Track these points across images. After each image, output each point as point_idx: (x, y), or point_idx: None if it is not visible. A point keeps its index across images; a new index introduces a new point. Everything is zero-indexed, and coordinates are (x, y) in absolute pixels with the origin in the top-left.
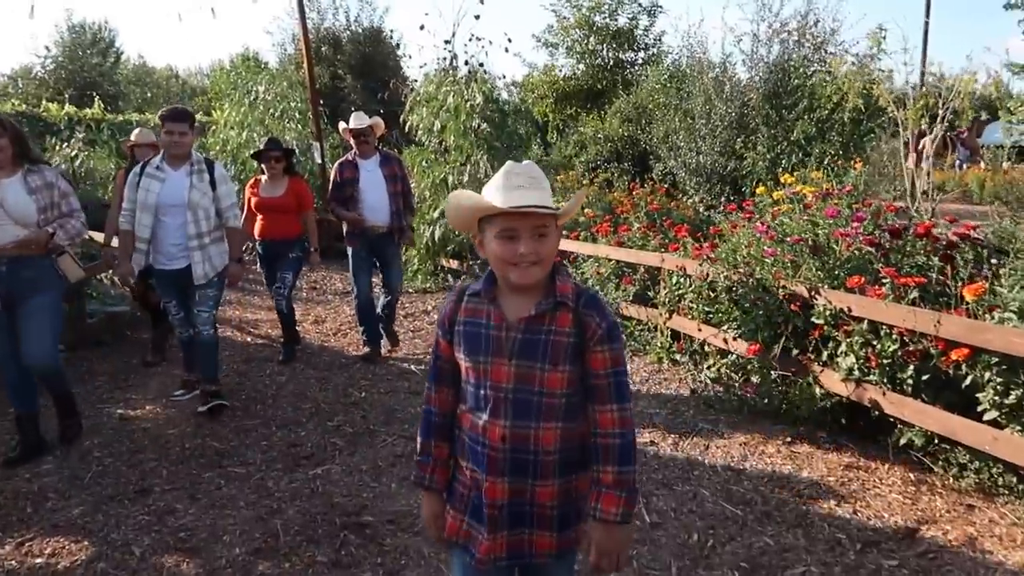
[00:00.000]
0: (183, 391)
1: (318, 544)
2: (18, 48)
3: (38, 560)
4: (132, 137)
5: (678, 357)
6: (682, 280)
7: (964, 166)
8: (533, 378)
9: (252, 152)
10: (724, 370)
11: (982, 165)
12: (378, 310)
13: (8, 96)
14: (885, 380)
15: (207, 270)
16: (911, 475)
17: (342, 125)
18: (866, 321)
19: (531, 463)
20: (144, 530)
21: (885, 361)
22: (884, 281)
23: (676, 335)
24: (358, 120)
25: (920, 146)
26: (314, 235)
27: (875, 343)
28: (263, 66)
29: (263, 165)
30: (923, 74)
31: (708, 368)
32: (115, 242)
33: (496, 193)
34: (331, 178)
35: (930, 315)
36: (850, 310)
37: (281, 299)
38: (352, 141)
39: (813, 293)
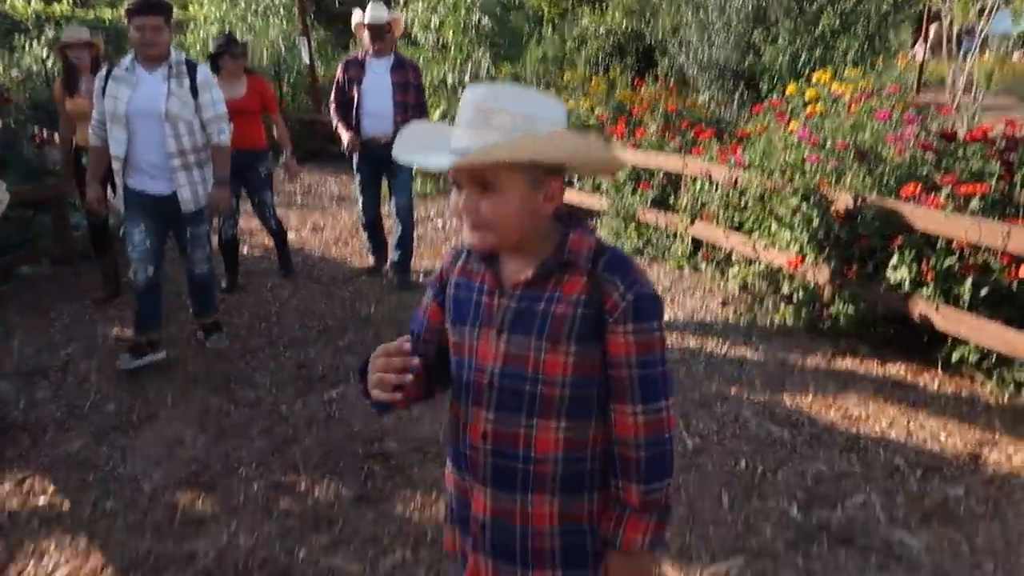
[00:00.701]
0: (130, 356)
1: (341, 476)
2: None
3: (40, 500)
4: (63, 37)
5: (702, 265)
6: (707, 186)
7: (970, 56)
8: (526, 360)
9: (208, 55)
10: (752, 279)
11: (987, 55)
12: (391, 249)
13: None
14: (939, 294)
15: (198, 195)
16: (963, 393)
17: (355, 19)
18: (919, 232)
19: (519, 472)
20: (153, 463)
21: (940, 275)
22: (941, 189)
23: (697, 242)
24: (375, 13)
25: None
26: (286, 140)
27: (929, 255)
28: None
29: (222, 65)
30: None
31: (734, 277)
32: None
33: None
34: (335, 77)
35: (997, 227)
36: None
37: (269, 219)
38: (366, 38)
39: (861, 202)
